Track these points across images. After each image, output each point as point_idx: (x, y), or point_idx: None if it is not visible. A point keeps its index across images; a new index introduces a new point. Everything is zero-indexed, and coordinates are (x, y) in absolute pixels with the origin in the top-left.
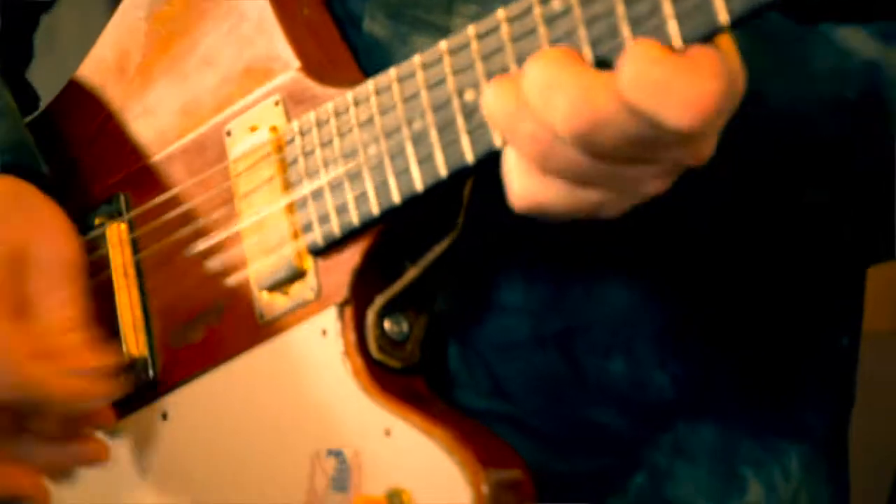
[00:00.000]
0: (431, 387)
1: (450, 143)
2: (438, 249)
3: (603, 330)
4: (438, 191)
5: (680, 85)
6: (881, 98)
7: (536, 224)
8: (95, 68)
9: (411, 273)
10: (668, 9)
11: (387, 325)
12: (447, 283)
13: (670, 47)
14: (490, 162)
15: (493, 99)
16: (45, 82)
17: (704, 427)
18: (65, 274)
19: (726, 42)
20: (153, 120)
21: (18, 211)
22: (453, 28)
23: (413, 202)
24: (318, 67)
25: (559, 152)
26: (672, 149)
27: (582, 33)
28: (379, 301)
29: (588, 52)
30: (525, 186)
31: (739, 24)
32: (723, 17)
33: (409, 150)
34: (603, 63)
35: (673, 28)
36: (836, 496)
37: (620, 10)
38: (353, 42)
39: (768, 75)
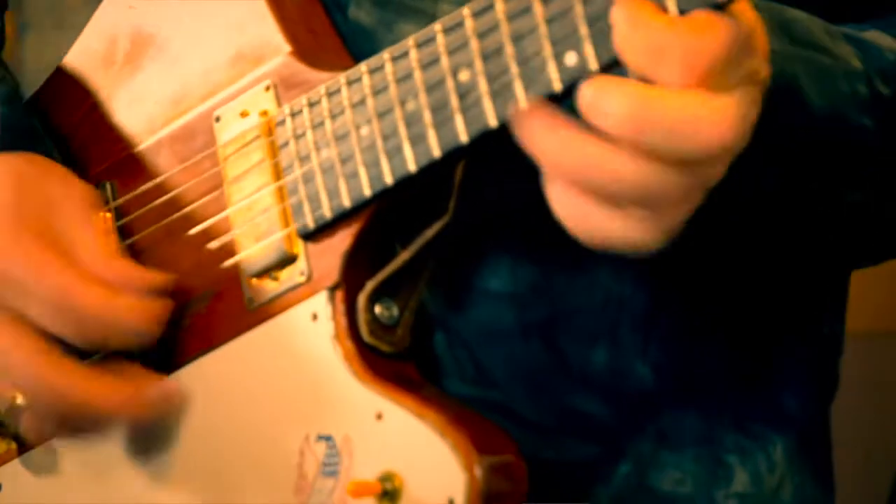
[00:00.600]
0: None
1: (443, 123)
2: (430, 233)
3: (586, 317)
4: (431, 172)
5: (674, 43)
6: None
7: (522, 210)
8: (82, 56)
9: (402, 256)
10: None
11: (377, 309)
12: (432, 271)
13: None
14: (483, 142)
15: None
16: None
17: (688, 415)
18: (89, 209)
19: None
20: (141, 107)
21: (30, 164)
22: (439, 14)
23: (405, 183)
24: (309, 52)
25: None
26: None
27: (578, 10)
28: (370, 285)
29: (585, 30)
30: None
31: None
32: None
33: (402, 130)
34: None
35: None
36: (820, 484)
37: None
38: (339, 29)
39: (805, 75)
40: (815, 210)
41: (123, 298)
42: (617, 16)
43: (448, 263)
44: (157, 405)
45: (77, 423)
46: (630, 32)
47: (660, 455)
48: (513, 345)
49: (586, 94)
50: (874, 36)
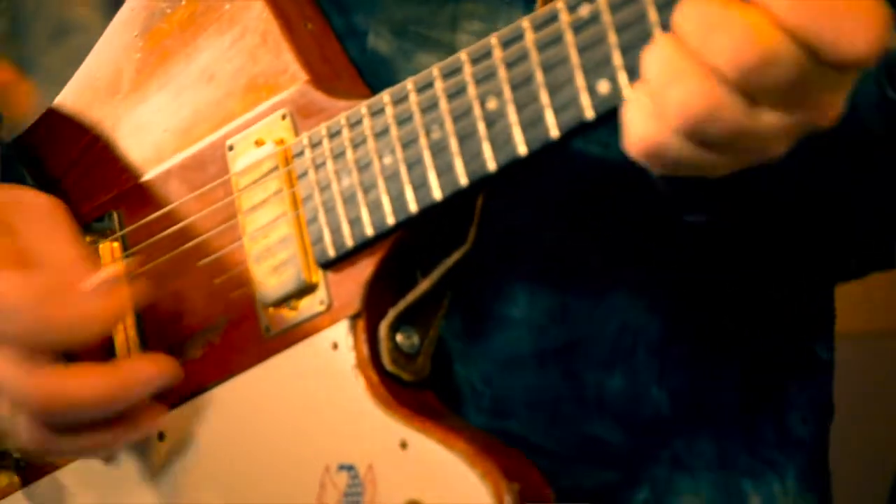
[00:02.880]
0: None
1: (471, 152)
2: (450, 262)
3: (603, 344)
4: (456, 200)
5: (850, 8)
6: None
7: (540, 238)
8: (86, 86)
9: (423, 285)
10: None
11: (399, 337)
12: (451, 299)
13: None
14: (510, 171)
15: (654, 55)
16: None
17: (703, 441)
18: (55, 219)
19: None
20: (148, 137)
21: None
22: (457, 45)
23: (429, 212)
24: (325, 81)
25: (726, 106)
26: (821, 94)
27: (612, 39)
28: (391, 313)
29: (619, 59)
30: (644, 129)
31: None
32: None
33: (428, 159)
34: None
35: None
36: None
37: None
38: (355, 58)
39: None
40: (819, 208)
41: (79, 307)
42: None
43: (466, 291)
44: (139, 391)
45: (68, 421)
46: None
47: (676, 481)
48: (530, 372)
49: None
50: None
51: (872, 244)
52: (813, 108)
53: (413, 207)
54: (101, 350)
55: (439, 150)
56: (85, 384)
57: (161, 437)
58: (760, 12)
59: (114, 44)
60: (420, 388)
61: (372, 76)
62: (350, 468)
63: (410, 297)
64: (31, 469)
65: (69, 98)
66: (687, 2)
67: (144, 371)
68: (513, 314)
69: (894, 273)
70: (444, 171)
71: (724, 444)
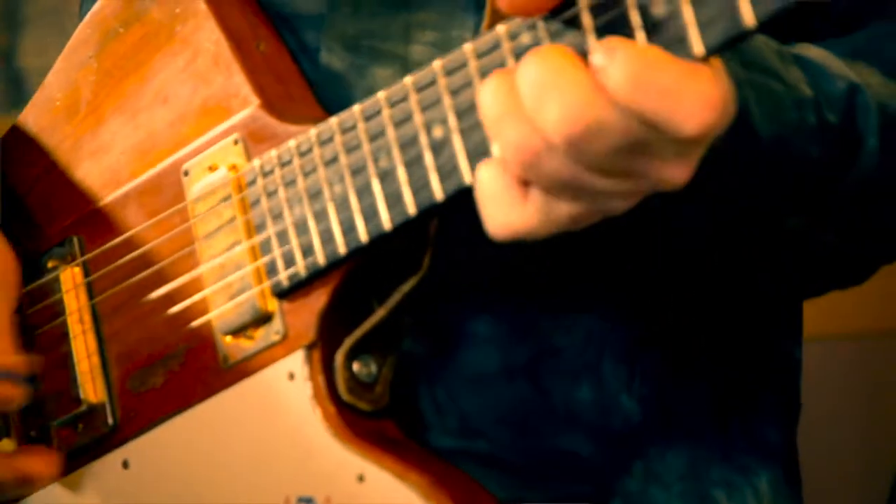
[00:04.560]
0: (400, 429)
1: (418, 181)
2: (406, 288)
3: (570, 355)
4: (407, 229)
5: (690, 87)
6: (859, 121)
7: (503, 253)
8: (43, 108)
9: (379, 313)
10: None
11: (355, 366)
12: (414, 320)
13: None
14: (459, 199)
15: (488, 96)
16: None
17: (675, 451)
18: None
19: (717, 62)
20: (106, 159)
21: None
22: (411, 57)
23: (380, 241)
24: (277, 104)
25: (546, 160)
26: (660, 163)
27: None
28: (347, 342)
29: None
30: (504, 213)
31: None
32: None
33: (377, 187)
34: None
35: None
36: None
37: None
38: (309, 75)
39: (755, 101)
40: (754, 233)
41: None
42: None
43: (430, 312)
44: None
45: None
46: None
47: (648, 493)
48: (498, 388)
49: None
50: (822, 57)
51: (832, 265)
52: (651, 175)
53: (364, 237)
54: (64, 375)
55: (388, 178)
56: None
57: (125, 464)
58: (594, 82)
59: (70, 64)
60: (379, 417)
61: (326, 93)
62: (309, 500)
63: (366, 325)
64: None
65: (29, 119)
66: (530, 56)
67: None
68: (478, 331)
69: (893, 273)
70: (393, 201)
71: (697, 452)
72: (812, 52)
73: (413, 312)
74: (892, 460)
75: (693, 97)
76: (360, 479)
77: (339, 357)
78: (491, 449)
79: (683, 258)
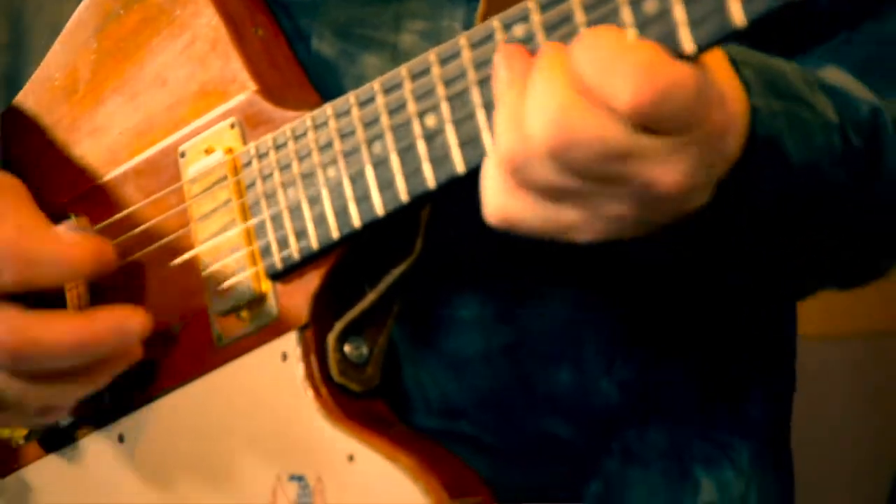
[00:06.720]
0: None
1: (411, 169)
2: (397, 273)
3: (550, 338)
4: (399, 215)
5: (625, 58)
6: (880, 140)
7: (490, 239)
8: (42, 87)
9: (370, 296)
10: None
11: (347, 348)
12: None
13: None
14: (451, 187)
15: (499, 107)
16: None
17: (654, 430)
18: (15, 194)
19: (722, 61)
20: (104, 139)
21: None
22: (401, 45)
23: (373, 226)
24: (274, 89)
25: (534, 167)
26: (650, 166)
27: None
28: (339, 325)
29: None
30: (500, 201)
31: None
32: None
33: (370, 173)
34: None
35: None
36: (783, 485)
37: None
38: (302, 60)
39: (788, 129)
40: (776, 247)
41: (67, 243)
42: (584, 32)
43: (416, 295)
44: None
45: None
46: (591, 40)
47: (627, 472)
48: (480, 371)
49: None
50: (843, 81)
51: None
52: (639, 178)
53: (357, 223)
54: None
55: (381, 165)
56: (57, 331)
57: (121, 438)
58: (575, 91)
59: (70, 44)
60: (369, 397)
61: (318, 80)
62: (300, 479)
63: (358, 308)
64: None
65: (29, 98)
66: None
67: (117, 321)
68: (462, 315)
69: (893, 273)
70: (386, 187)
71: (677, 431)
72: (831, 74)
73: (402, 298)
74: (892, 460)
75: (627, 67)
76: (351, 458)
77: (331, 339)
78: (473, 430)
79: (667, 248)
